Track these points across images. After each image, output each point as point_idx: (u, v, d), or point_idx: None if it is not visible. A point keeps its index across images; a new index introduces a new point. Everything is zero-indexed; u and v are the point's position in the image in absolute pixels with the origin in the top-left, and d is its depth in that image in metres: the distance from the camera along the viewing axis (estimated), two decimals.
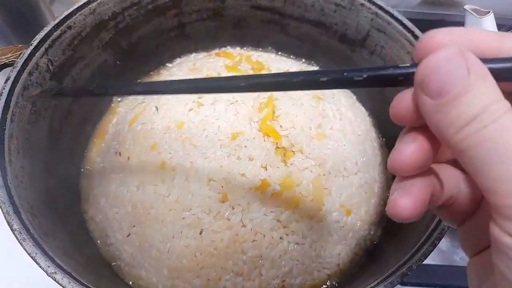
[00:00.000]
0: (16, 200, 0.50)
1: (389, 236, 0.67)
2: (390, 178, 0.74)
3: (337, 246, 0.64)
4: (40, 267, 0.45)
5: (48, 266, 0.45)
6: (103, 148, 0.75)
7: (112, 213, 0.65)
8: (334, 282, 0.64)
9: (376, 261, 0.65)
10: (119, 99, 0.82)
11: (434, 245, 0.48)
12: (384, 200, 0.71)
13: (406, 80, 0.27)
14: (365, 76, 0.28)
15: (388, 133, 0.79)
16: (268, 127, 0.65)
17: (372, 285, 0.46)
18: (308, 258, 0.62)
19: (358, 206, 0.65)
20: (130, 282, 0.64)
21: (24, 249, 0.46)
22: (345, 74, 0.29)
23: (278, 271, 0.61)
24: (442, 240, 0.94)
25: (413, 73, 0.26)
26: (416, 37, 0.68)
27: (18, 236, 0.46)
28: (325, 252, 0.63)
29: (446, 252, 0.96)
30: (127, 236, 0.63)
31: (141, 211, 0.62)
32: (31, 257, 0.45)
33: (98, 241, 0.67)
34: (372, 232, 0.68)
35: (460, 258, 0.96)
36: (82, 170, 0.75)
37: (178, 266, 0.60)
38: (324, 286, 0.65)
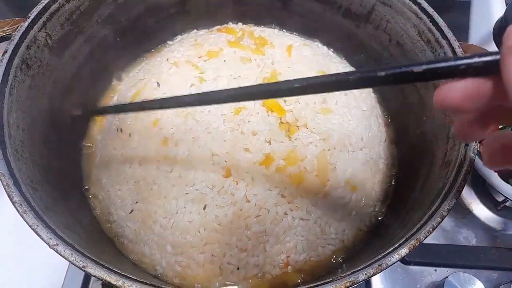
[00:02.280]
0: (16, 173, 0.49)
1: (394, 213, 0.66)
2: (395, 155, 0.73)
3: (342, 223, 0.63)
4: (42, 239, 0.44)
5: (50, 238, 0.44)
6: (104, 126, 0.74)
7: (114, 190, 0.65)
8: (339, 258, 0.64)
9: (381, 237, 0.64)
10: (119, 76, 0.81)
11: (442, 217, 0.47)
12: (389, 177, 0.71)
13: (467, 70, 0.28)
14: (424, 68, 0.29)
15: (392, 111, 0.78)
16: (272, 102, 0.64)
17: (380, 256, 0.45)
18: (312, 234, 0.61)
19: (363, 182, 0.65)
20: (134, 259, 0.63)
21: (25, 221, 0.45)
22: (403, 68, 0.29)
23: (282, 246, 0.60)
24: (446, 220, 0.94)
25: (478, 63, 0.27)
26: (423, 9, 0.66)
27: (19, 208, 0.46)
28: (330, 229, 0.63)
29: (450, 232, 0.96)
30: (130, 212, 0.63)
31: (143, 187, 0.62)
32: (33, 229, 0.45)
33: (101, 218, 0.66)
34: (377, 209, 0.67)
35: (464, 237, 0.96)
36: (83, 148, 0.74)
37: (182, 242, 0.59)
38: (328, 262, 0.64)
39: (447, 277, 0.79)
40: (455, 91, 0.29)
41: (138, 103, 0.53)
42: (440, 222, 0.47)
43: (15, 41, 0.59)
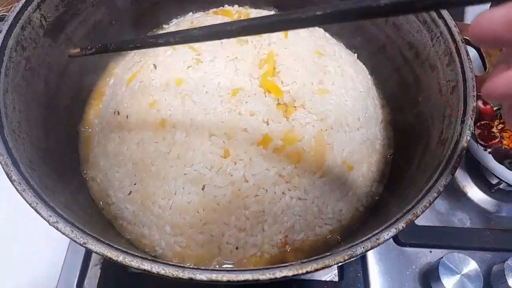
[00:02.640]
0: (14, 152, 0.49)
1: (390, 192, 0.67)
2: (391, 137, 0.74)
3: (339, 203, 0.64)
4: (42, 216, 0.44)
5: (50, 216, 0.44)
6: (101, 109, 0.74)
7: (112, 172, 0.65)
8: (336, 237, 0.65)
9: (377, 216, 0.65)
10: (114, 59, 0.81)
11: (439, 192, 0.48)
12: (385, 158, 0.71)
13: None
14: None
15: (388, 93, 0.78)
16: (269, 83, 0.64)
17: (377, 231, 0.46)
18: (310, 213, 0.62)
19: (360, 163, 0.65)
20: (133, 240, 0.63)
21: (24, 199, 0.45)
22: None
23: (280, 226, 0.61)
24: (440, 202, 0.95)
25: None
26: None
27: (17, 187, 0.46)
28: (327, 208, 0.63)
29: (445, 215, 0.97)
30: (129, 194, 0.63)
31: (142, 168, 0.62)
32: (32, 207, 0.45)
33: (100, 201, 0.67)
34: (373, 189, 0.68)
35: (458, 220, 0.97)
36: (80, 131, 0.73)
37: (181, 223, 0.60)
38: (326, 241, 0.65)
39: (442, 257, 0.80)
40: (497, 19, 0.27)
41: (141, 39, 0.49)
42: (436, 197, 0.48)
43: (9, 22, 0.59)
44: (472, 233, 0.87)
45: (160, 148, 0.61)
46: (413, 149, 0.65)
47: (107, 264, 0.77)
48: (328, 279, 0.76)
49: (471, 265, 0.78)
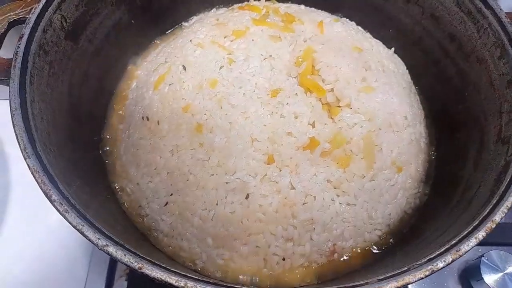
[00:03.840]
0: (49, 168, 0.45)
1: (438, 194, 0.64)
2: (433, 133, 0.70)
3: (388, 206, 0.60)
4: (90, 240, 0.40)
5: (99, 239, 0.40)
6: (125, 114, 0.69)
7: (145, 182, 0.60)
8: (388, 243, 0.61)
9: (427, 219, 0.61)
10: (134, 62, 0.76)
11: None
12: (429, 156, 0.68)
13: None
14: None
15: (426, 87, 0.74)
16: (309, 81, 0.60)
17: (454, 241, 0.42)
18: (359, 219, 0.58)
19: (408, 163, 0.61)
20: (170, 253, 0.59)
21: (69, 221, 0.41)
22: None
23: (329, 234, 0.57)
24: None
25: None
26: None
27: (59, 207, 0.41)
28: (376, 213, 0.59)
29: None
30: (165, 205, 0.58)
31: (178, 178, 0.58)
32: (77, 229, 0.40)
33: (131, 213, 0.62)
34: (421, 190, 0.65)
35: None
36: (104, 138, 0.69)
37: (224, 234, 0.56)
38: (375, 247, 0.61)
39: (482, 255, 0.77)
40: None
41: None
42: None
43: (31, 25, 0.54)
44: (508, 228, 0.84)
45: (198, 155, 0.57)
46: (463, 148, 0.62)
47: (133, 275, 0.73)
48: None
49: None
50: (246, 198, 0.55)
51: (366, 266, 0.59)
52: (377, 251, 0.60)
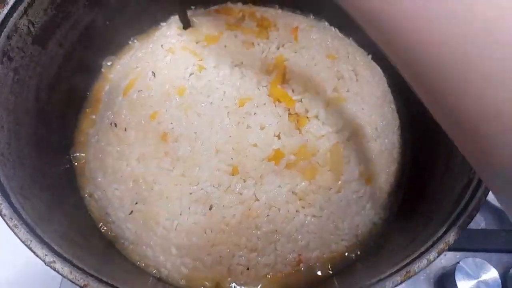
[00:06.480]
0: (3, 181, 0.45)
1: (410, 204, 0.63)
2: (408, 142, 0.69)
3: (356, 217, 0.60)
4: (37, 255, 0.40)
5: (46, 255, 0.40)
6: (96, 119, 0.69)
7: (111, 189, 0.60)
8: (353, 254, 0.61)
9: (397, 231, 0.61)
10: (109, 63, 0.75)
11: (472, 217, 0.44)
12: (403, 166, 0.67)
13: None
14: None
15: (404, 94, 0.73)
16: (279, 91, 0.59)
17: (406, 261, 0.42)
18: (325, 230, 0.58)
19: (378, 174, 0.61)
20: (137, 263, 0.59)
21: (17, 236, 0.41)
22: None
23: (294, 245, 0.57)
24: None
25: None
26: None
27: (9, 222, 0.41)
28: (343, 224, 0.59)
29: None
30: (130, 213, 0.58)
31: (143, 186, 0.57)
32: (26, 245, 0.40)
33: (99, 220, 0.62)
34: (392, 200, 0.64)
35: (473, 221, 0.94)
36: (74, 143, 0.69)
37: (187, 244, 0.56)
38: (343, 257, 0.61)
39: (458, 262, 0.77)
40: None
41: None
42: (469, 223, 0.44)
43: None
44: (486, 234, 0.84)
45: (163, 165, 0.57)
46: (434, 158, 0.61)
47: None
48: None
49: (491, 271, 0.75)
50: (210, 209, 0.55)
51: (331, 276, 0.59)
52: (341, 262, 0.60)
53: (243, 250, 0.56)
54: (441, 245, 0.42)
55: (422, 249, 0.43)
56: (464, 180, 0.49)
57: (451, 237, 0.42)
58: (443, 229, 0.44)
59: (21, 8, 0.56)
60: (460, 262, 0.77)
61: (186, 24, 0.67)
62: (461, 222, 0.43)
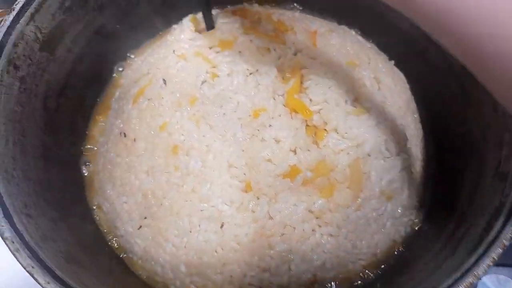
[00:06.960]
0: (7, 201, 0.43)
1: (432, 222, 0.59)
2: (431, 154, 0.65)
3: (375, 236, 0.57)
4: (38, 283, 0.38)
5: (48, 282, 0.38)
6: (106, 127, 0.67)
7: (120, 202, 0.58)
8: (371, 274, 0.58)
9: (418, 250, 0.57)
10: (120, 69, 0.73)
11: (504, 247, 0.40)
12: (425, 179, 0.63)
13: None
14: None
15: (428, 101, 0.68)
16: (296, 101, 0.56)
17: (452, 280, 0.38)
18: (342, 250, 0.55)
19: (400, 191, 0.57)
20: (145, 277, 0.58)
21: (18, 260, 0.39)
22: None
23: (309, 265, 0.54)
24: None
25: None
26: None
27: (10, 246, 0.39)
28: (362, 243, 0.56)
29: None
30: (138, 228, 0.56)
31: (152, 201, 0.55)
32: (27, 271, 0.38)
33: (106, 232, 0.60)
34: (413, 217, 0.60)
35: None
36: (83, 151, 0.67)
37: (197, 263, 0.53)
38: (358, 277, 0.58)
39: (480, 278, 0.73)
40: None
41: None
42: (500, 254, 0.40)
43: None
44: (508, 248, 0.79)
45: (173, 179, 0.54)
46: (461, 176, 0.57)
47: None
48: None
49: None
50: (221, 227, 0.53)
51: None
52: (359, 282, 0.56)
53: (255, 270, 0.53)
54: (469, 279, 0.38)
55: (450, 281, 0.39)
56: (495, 202, 0.45)
57: (480, 269, 0.39)
58: (473, 259, 0.40)
59: (27, 14, 0.54)
60: (483, 279, 0.73)
61: (210, 26, 0.64)
62: (494, 252, 0.40)
